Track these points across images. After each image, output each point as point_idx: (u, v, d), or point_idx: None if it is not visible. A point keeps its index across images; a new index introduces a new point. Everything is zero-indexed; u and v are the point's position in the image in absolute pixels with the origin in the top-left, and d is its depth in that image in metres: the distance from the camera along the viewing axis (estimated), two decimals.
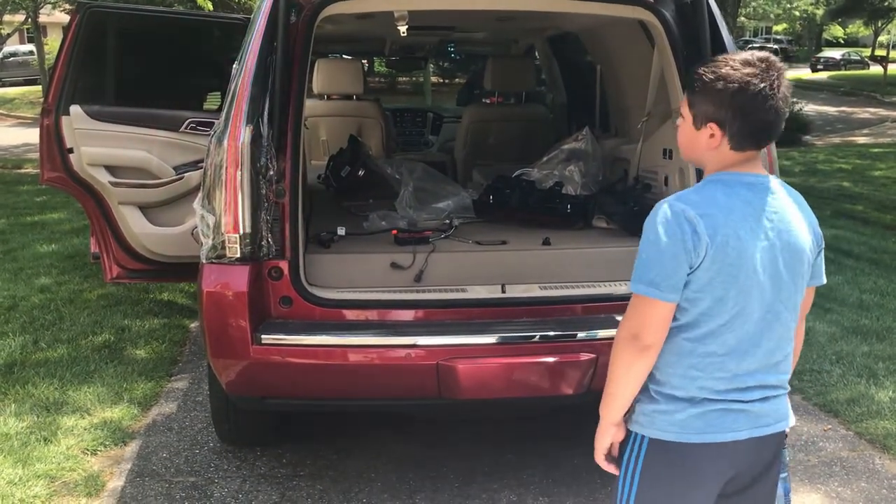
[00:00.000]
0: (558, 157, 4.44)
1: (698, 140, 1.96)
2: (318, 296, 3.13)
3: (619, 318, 2.03)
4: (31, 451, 3.80)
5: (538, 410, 3.85)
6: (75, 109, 4.55)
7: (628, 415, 2.00)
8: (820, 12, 40.89)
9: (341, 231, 3.67)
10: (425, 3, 3.76)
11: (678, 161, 3.43)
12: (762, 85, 1.85)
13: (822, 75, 41.21)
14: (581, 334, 3.02)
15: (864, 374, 4.83)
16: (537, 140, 5.61)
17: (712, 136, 1.92)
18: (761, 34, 58.40)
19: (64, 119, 4.59)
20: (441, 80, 10.16)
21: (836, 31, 50.59)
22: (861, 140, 20.90)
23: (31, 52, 31.82)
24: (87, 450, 3.88)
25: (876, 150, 18.22)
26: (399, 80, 10.15)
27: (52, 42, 27.31)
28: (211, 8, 12.19)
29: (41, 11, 24.87)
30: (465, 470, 3.75)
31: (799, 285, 1.98)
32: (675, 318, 1.91)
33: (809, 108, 23.96)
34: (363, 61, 6.73)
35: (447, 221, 3.97)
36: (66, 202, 9.63)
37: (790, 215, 1.95)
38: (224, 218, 2.97)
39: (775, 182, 1.98)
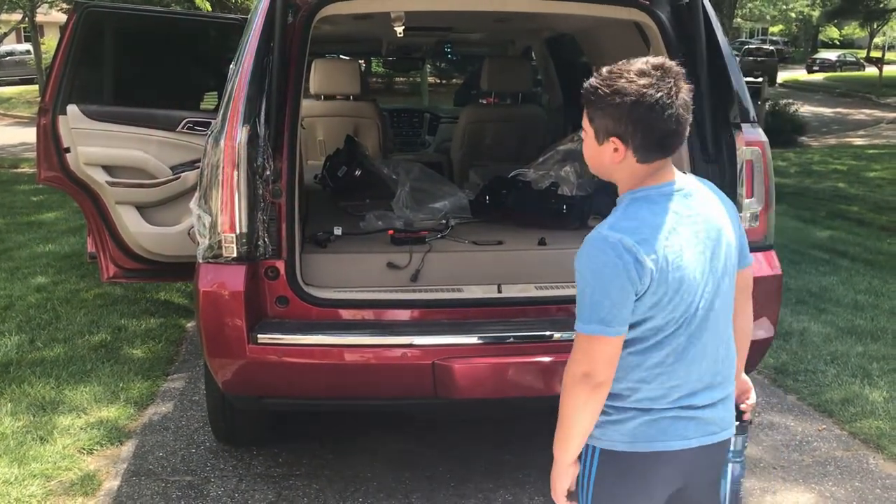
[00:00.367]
0: (554, 158, 4.45)
1: (602, 155, 1.90)
2: (314, 295, 3.13)
3: None
4: (27, 450, 3.80)
5: (534, 410, 3.86)
6: (72, 109, 4.55)
7: None
8: (816, 14, 40.98)
9: (338, 231, 3.68)
10: (422, 4, 3.77)
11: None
12: (658, 95, 1.79)
13: (818, 76, 41.29)
14: None
15: (858, 375, 4.85)
16: (534, 141, 5.62)
17: (616, 150, 1.87)
18: (757, 35, 58.50)
19: (61, 118, 4.59)
20: (438, 81, 10.17)
21: (832, 32, 50.71)
22: (856, 141, 20.94)
23: (27, 52, 31.77)
24: (84, 449, 3.88)
25: (871, 151, 18.26)
26: (396, 80, 10.16)
27: (49, 41, 27.29)
28: (209, 8, 12.19)
29: (38, 11, 24.87)
30: (461, 470, 3.76)
31: (731, 275, 1.98)
32: None
33: (805, 109, 23.98)
34: (360, 62, 6.72)
35: (443, 221, 3.97)
36: (63, 202, 9.62)
37: (711, 212, 1.95)
38: (220, 218, 2.98)
39: (689, 182, 1.96)
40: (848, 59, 45.02)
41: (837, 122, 25.49)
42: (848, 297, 6.41)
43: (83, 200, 4.78)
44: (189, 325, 5.67)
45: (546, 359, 3.01)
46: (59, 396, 4.39)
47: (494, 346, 3.06)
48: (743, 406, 2.17)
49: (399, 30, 4.00)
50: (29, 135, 13.59)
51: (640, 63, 1.84)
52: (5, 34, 26.33)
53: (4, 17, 25.15)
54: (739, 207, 3.23)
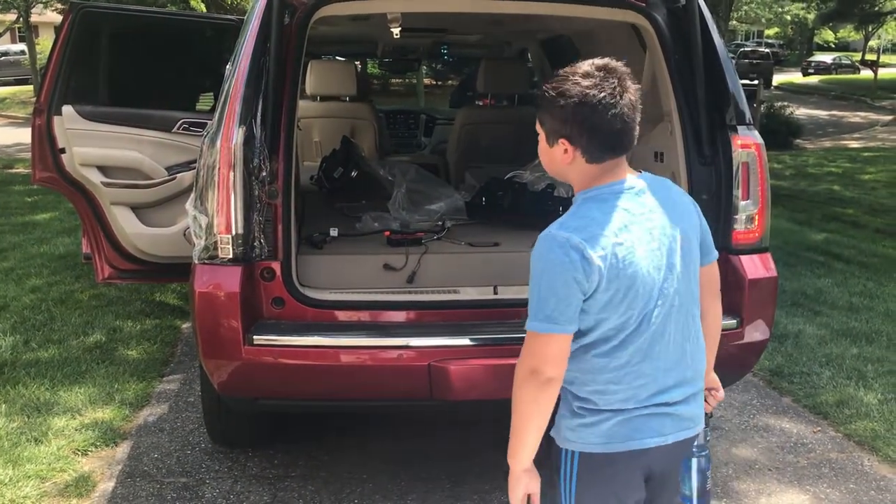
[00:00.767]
0: None
1: (554, 156, 1.93)
2: (310, 297, 3.13)
3: None
4: (21, 451, 3.79)
5: None
6: (67, 109, 4.54)
7: (555, 431, 2.00)
8: (811, 17, 41.06)
9: (334, 232, 3.67)
10: (418, 6, 3.76)
11: (670, 164, 3.45)
12: (601, 95, 1.81)
13: (813, 79, 41.43)
14: None
15: (853, 377, 4.86)
16: (530, 142, 5.59)
17: (565, 151, 1.89)
18: (753, 38, 58.65)
19: (56, 119, 4.58)
20: (434, 82, 10.17)
21: (828, 35, 50.86)
22: (851, 144, 21.00)
23: (22, 52, 31.71)
24: (78, 450, 3.87)
25: (866, 153, 18.31)
26: (392, 81, 10.16)
27: (44, 42, 27.21)
28: (204, 9, 12.18)
29: (33, 11, 24.81)
30: (456, 471, 3.75)
31: (693, 271, 1.99)
32: (582, 339, 1.89)
33: (800, 111, 24.06)
34: (356, 63, 6.72)
35: (440, 223, 3.97)
36: (58, 202, 9.60)
37: (668, 209, 1.95)
38: (216, 219, 2.97)
39: (643, 181, 1.96)
40: (843, 61, 45.17)
41: (832, 124, 25.57)
42: (843, 299, 6.42)
43: (78, 201, 4.77)
44: (184, 326, 5.66)
45: None
46: (53, 397, 4.38)
47: (490, 348, 3.06)
48: (708, 400, 2.18)
49: (395, 31, 4.00)
50: (24, 135, 13.54)
51: (585, 65, 1.87)
52: (0, 34, 26.27)
53: None
54: (735, 209, 3.24)
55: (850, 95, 33.70)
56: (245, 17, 3.42)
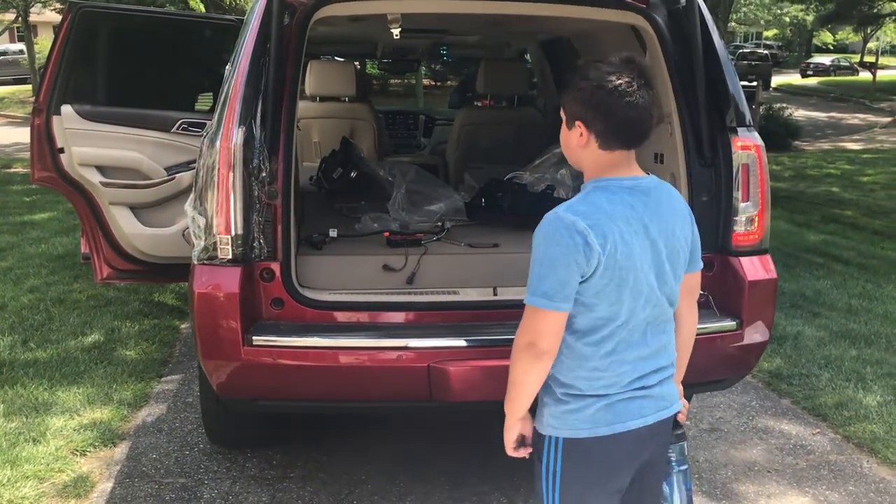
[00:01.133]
0: (550, 161, 4.45)
1: (571, 139, 2.04)
2: (309, 297, 3.12)
3: None
4: (19, 451, 3.78)
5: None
6: (66, 109, 4.53)
7: (536, 419, 2.09)
8: (810, 18, 41.09)
9: (333, 233, 3.67)
10: (418, 7, 3.76)
11: (670, 165, 3.44)
12: (619, 81, 1.91)
13: (812, 81, 41.47)
14: None
15: (852, 378, 4.86)
16: (529, 143, 5.61)
17: (581, 135, 2.00)
18: (752, 39, 58.69)
19: (55, 119, 4.57)
20: (433, 83, 10.17)
21: (826, 37, 50.91)
22: (850, 145, 21.02)
23: (21, 51, 31.69)
24: (77, 451, 3.86)
25: (865, 155, 18.34)
26: (392, 82, 10.16)
27: (43, 41, 27.21)
28: (203, 9, 12.18)
29: (31, 10, 24.79)
30: (455, 472, 3.75)
31: (678, 275, 2.09)
32: (573, 325, 1.98)
33: (799, 113, 24.08)
34: (356, 63, 6.71)
35: (439, 224, 3.97)
36: (56, 202, 9.59)
37: (667, 213, 2.05)
38: (216, 219, 2.96)
39: (650, 182, 2.05)
40: (842, 63, 45.22)
41: (831, 126, 25.59)
42: (842, 301, 6.43)
43: (77, 201, 4.76)
44: (183, 326, 5.65)
45: None
46: (51, 398, 4.37)
47: (490, 349, 3.05)
48: (679, 415, 2.21)
49: (395, 32, 3.99)
50: (22, 135, 13.54)
51: (612, 57, 1.99)
52: None
53: None
54: (735, 211, 3.24)
55: (848, 97, 33.73)
56: (245, 18, 3.42)
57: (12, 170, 13.62)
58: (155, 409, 4.40)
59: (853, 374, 4.93)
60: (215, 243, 2.97)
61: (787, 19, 47.65)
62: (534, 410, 2.12)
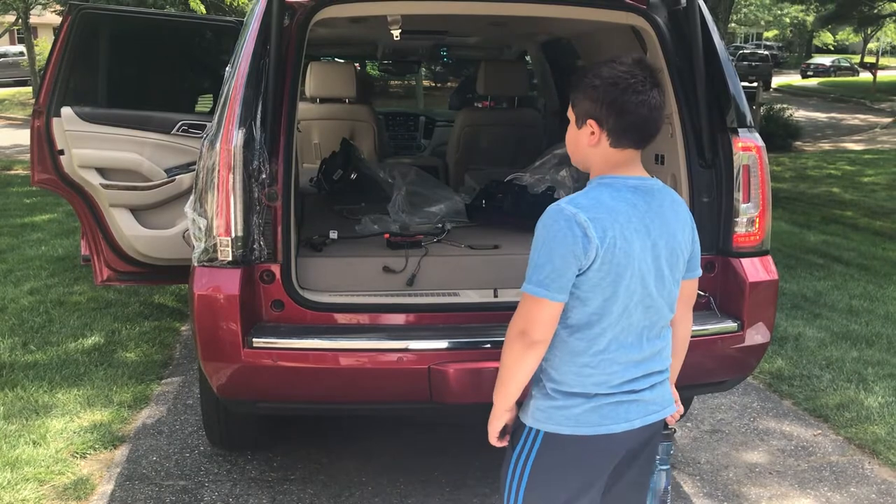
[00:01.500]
0: (551, 162, 4.44)
1: (580, 139, 2.04)
2: (309, 299, 3.12)
3: None
4: (19, 453, 3.77)
5: None
6: (66, 111, 4.53)
7: (522, 409, 2.09)
8: (810, 19, 41.14)
9: (333, 235, 3.66)
10: (418, 8, 3.75)
11: (670, 166, 3.44)
12: (632, 80, 1.94)
13: (812, 81, 41.47)
14: None
15: (853, 380, 4.85)
16: (530, 145, 5.61)
17: (592, 133, 2.00)
18: (752, 40, 58.71)
19: (55, 121, 4.57)
20: (433, 84, 10.16)
21: (826, 37, 50.95)
22: (851, 146, 21.01)
23: (21, 53, 31.69)
24: (77, 453, 3.86)
25: (866, 156, 18.34)
26: (392, 83, 10.15)
27: (43, 43, 27.22)
28: (203, 11, 12.18)
29: (32, 12, 24.79)
30: (456, 474, 3.75)
31: (677, 280, 2.09)
32: (567, 319, 1.99)
33: (799, 114, 24.08)
34: (356, 65, 6.71)
35: (439, 225, 3.96)
36: (57, 204, 9.60)
37: (669, 216, 2.05)
38: (216, 221, 2.96)
39: (655, 184, 2.06)
40: (842, 64, 45.22)
41: (832, 126, 25.58)
42: (843, 302, 6.42)
43: (77, 203, 4.76)
44: (183, 328, 5.65)
45: None
46: (52, 400, 4.37)
47: (490, 351, 3.05)
48: (668, 417, 2.20)
49: (395, 33, 3.99)
50: (22, 137, 13.56)
51: (623, 57, 2.01)
52: None
53: None
54: (736, 212, 3.23)
55: (849, 98, 33.72)
56: (245, 19, 3.41)
57: (12, 172, 13.62)
58: (155, 411, 4.40)
59: (854, 375, 4.93)
60: (215, 245, 2.97)
61: (788, 20, 47.67)
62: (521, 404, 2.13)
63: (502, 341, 3.08)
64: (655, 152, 3.78)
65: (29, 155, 4.79)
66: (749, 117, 3.30)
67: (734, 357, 3.25)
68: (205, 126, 3.29)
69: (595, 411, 2.01)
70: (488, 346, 3.05)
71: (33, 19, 25.84)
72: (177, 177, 4.62)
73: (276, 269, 3.05)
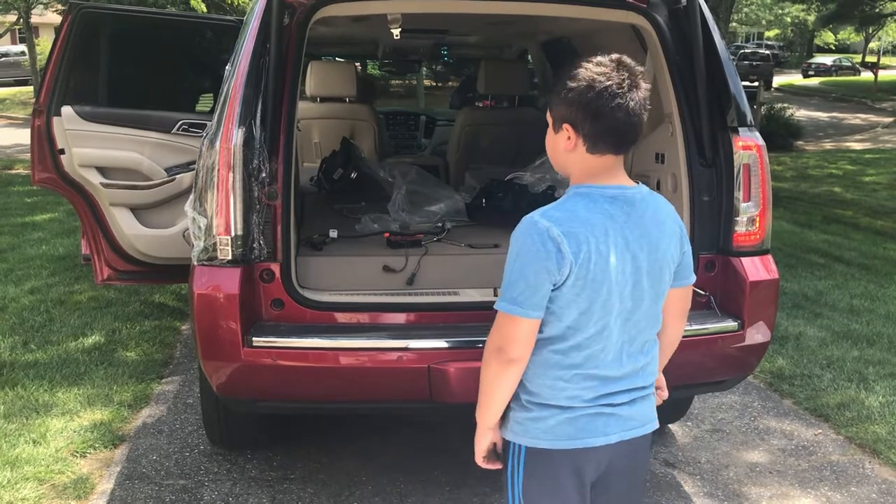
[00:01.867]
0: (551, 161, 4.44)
1: (558, 144, 1.95)
2: (309, 298, 3.12)
3: None
4: (19, 452, 3.77)
5: None
6: (67, 110, 4.53)
7: (503, 423, 2.05)
8: (811, 18, 41.12)
9: (333, 234, 3.66)
10: (418, 7, 3.75)
11: (670, 166, 3.43)
12: (608, 83, 1.84)
13: (814, 81, 41.45)
14: None
15: (854, 379, 4.85)
16: (530, 144, 5.60)
17: (568, 138, 1.91)
18: (753, 40, 58.68)
19: (55, 120, 4.57)
20: (434, 84, 10.16)
21: (828, 37, 50.93)
22: (852, 146, 21.00)
23: (22, 53, 31.69)
24: (77, 452, 3.86)
25: (867, 155, 18.32)
26: (392, 82, 10.14)
27: (44, 42, 27.20)
28: (204, 10, 12.18)
29: (33, 12, 24.79)
30: (455, 474, 3.74)
31: (660, 293, 2.00)
32: (542, 331, 1.92)
33: (801, 113, 24.07)
34: (356, 64, 6.71)
35: (440, 224, 3.96)
36: (57, 203, 9.60)
37: (651, 227, 1.95)
38: (216, 220, 2.96)
39: (637, 193, 1.96)
40: (843, 63, 45.20)
41: (833, 126, 25.58)
42: (843, 301, 6.41)
43: (77, 202, 4.76)
44: (183, 327, 5.65)
45: None
46: (52, 399, 4.37)
47: None
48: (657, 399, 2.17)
49: (396, 32, 3.98)
50: (23, 136, 13.54)
51: (601, 57, 1.90)
52: (0, 35, 26.28)
53: None
54: (736, 211, 3.23)
55: (850, 97, 33.71)
56: (244, 18, 3.41)
57: (13, 171, 13.63)
58: (155, 410, 4.39)
59: (855, 374, 4.92)
60: (215, 244, 2.97)
61: (789, 19, 47.63)
62: None
63: None
64: (655, 151, 3.78)
65: (29, 154, 4.79)
66: (749, 116, 3.30)
67: (734, 356, 3.25)
68: (205, 125, 3.29)
69: (570, 423, 1.95)
70: None
71: (35, 19, 25.84)
72: (177, 176, 4.62)
73: (275, 268, 3.05)
